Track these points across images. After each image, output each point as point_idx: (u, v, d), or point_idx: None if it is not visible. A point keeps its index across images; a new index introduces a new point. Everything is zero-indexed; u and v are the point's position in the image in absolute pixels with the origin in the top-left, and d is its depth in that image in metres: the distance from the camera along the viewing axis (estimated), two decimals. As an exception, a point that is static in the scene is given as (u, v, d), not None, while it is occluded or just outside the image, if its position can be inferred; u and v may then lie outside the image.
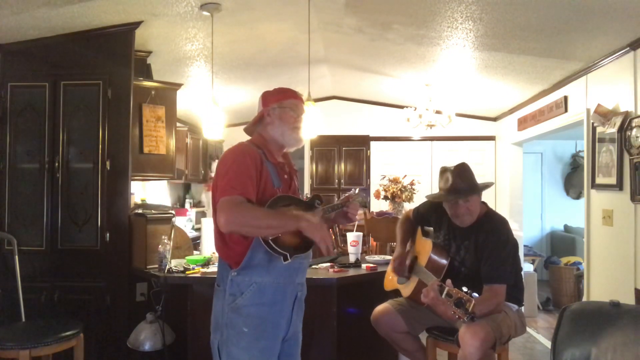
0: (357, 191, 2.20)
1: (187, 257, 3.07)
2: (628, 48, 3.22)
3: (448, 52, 4.06)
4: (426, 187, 6.12)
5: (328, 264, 3.12)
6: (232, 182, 1.80)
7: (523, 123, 5.47)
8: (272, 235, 1.80)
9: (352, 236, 3.30)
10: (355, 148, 6.90)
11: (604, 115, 3.42)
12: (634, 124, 3.12)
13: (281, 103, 2.01)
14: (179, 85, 3.83)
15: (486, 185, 2.57)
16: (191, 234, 4.92)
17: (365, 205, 2.25)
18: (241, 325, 1.84)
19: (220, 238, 1.90)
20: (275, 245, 1.80)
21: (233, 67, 4.53)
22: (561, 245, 7.27)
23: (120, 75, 3.29)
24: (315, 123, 3.54)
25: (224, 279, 1.91)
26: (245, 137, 2.08)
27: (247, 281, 1.85)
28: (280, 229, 1.80)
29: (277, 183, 1.93)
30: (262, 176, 1.87)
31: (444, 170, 2.60)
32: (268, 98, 2.04)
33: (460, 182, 2.49)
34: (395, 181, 5.00)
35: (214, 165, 6.42)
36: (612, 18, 2.91)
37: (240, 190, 1.78)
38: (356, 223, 4.30)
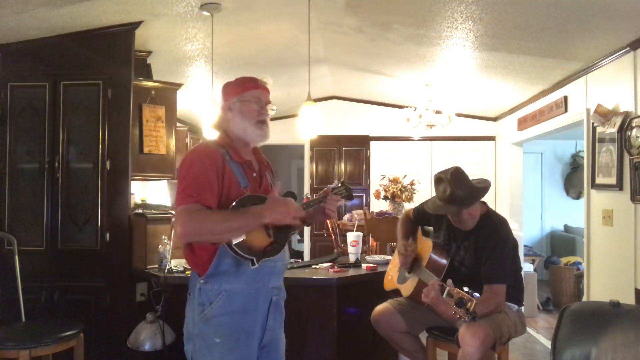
0: (339, 183, 2.07)
1: (187, 257, 3.06)
2: (628, 48, 3.22)
3: (448, 52, 4.06)
4: (426, 187, 6.12)
5: (328, 264, 3.12)
6: (189, 189, 1.70)
7: (523, 123, 5.47)
8: (236, 239, 1.69)
9: (352, 236, 3.30)
10: (355, 148, 6.90)
11: (604, 115, 3.42)
12: (634, 124, 3.12)
13: (241, 96, 1.87)
14: (179, 85, 3.82)
15: (485, 188, 2.52)
16: (191, 234, 4.90)
17: (350, 196, 2.12)
18: (212, 335, 1.74)
19: (188, 245, 1.80)
20: (240, 250, 1.70)
21: (233, 67, 4.53)
22: (561, 245, 7.27)
23: (120, 75, 3.29)
24: (315, 123, 3.54)
25: (193, 288, 1.81)
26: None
27: (216, 289, 1.75)
28: (242, 230, 1.70)
29: (244, 183, 1.80)
30: (225, 177, 1.75)
31: (439, 180, 2.54)
32: (228, 91, 1.91)
33: (459, 191, 2.43)
34: (395, 181, 5.00)
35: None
36: (612, 18, 2.91)
37: (197, 198, 1.68)
38: (356, 223, 4.31)
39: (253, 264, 1.72)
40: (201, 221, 1.66)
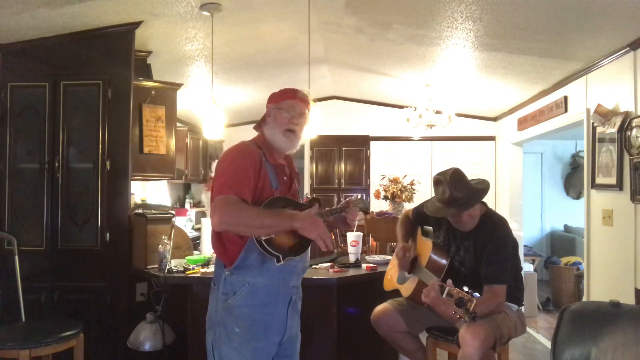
0: (359, 196, 2.18)
1: (187, 257, 3.07)
2: (628, 48, 3.22)
3: (448, 52, 4.06)
4: (426, 187, 6.12)
5: (328, 264, 3.12)
6: (229, 181, 1.80)
7: (523, 123, 5.47)
8: (265, 236, 1.79)
9: (352, 236, 3.30)
10: (355, 148, 6.90)
11: (604, 115, 3.42)
12: (634, 124, 3.12)
13: (278, 104, 2.00)
14: (179, 85, 3.83)
15: (484, 189, 2.51)
16: (191, 234, 4.92)
17: (366, 211, 2.22)
18: (233, 325, 1.84)
19: (217, 237, 1.90)
20: (268, 246, 1.80)
21: (233, 67, 4.53)
22: (561, 245, 7.27)
23: (120, 75, 3.29)
24: (315, 123, 3.54)
25: (218, 278, 1.91)
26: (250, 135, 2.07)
27: (240, 281, 1.85)
28: (274, 229, 1.80)
29: (275, 185, 1.92)
30: (260, 177, 1.87)
31: (438, 182, 2.54)
32: (270, 98, 2.05)
33: (458, 193, 2.43)
34: (395, 181, 5.00)
35: (214, 165, 6.42)
36: (612, 18, 2.91)
37: (236, 190, 1.78)
38: (356, 223, 4.30)
39: (278, 261, 1.81)
40: (238, 213, 1.75)
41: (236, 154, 1.89)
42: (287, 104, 1.99)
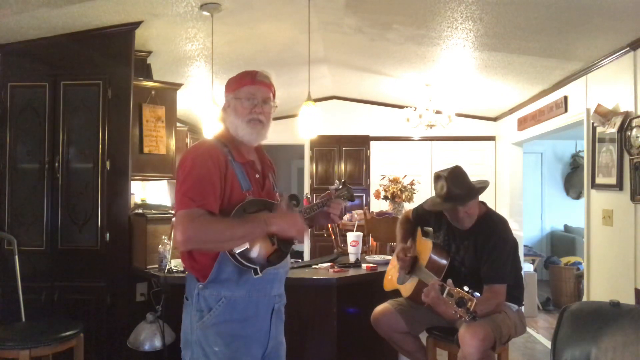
0: (340, 186, 1.98)
1: (187, 257, 3.06)
2: (628, 48, 3.22)
3: (448, 52, 4.06)
4: (426, 187, 6.12)
5: (328, 264, 3.12)
6: (190, 192, 1.59)
7: (523, 123, 5.47)
8: (239, 247, 1.61)
9: (352, 236, 3.30)
10: (355, 148, 6.90)
11: (604, 115, 3.42)
12: (634, 124, 3.12)
13: (237, 93, 1.76)
14: (179, 85, 3.82)
15: (482, 187, 2.54)
16: (191, 234, 4.90)
17: (352, 198, 2.03)
18: (212, 344, 1.65)
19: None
20: (243, 259, 1.62)
21: (233, 67, 4.50)
22: (561, 245, 7.27)
23: (120, 75, 3.29)
24: (315, 123, 3.54)
25: (191, 293, 1.71)
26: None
27: (216, 296, 1.65)
28: (247, 239, 1.61)
29: (246, 186, 1.71)
30: (227, 180, 1.66)
31: (437, 177, 2.56)
32: (227, 87, 1.82)
33: (455, 188, 2.46)
34: (395, 181, 5.00)
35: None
36: (612, 18, 2.91)
37: (200, 202, 1.58)
38: (356, 223, 4.30)
39: (256, 273, 1.65)
40: (204, 228, 1.57)
41: (196, 157, 1.67)
42: (246, 92, 1.76)
